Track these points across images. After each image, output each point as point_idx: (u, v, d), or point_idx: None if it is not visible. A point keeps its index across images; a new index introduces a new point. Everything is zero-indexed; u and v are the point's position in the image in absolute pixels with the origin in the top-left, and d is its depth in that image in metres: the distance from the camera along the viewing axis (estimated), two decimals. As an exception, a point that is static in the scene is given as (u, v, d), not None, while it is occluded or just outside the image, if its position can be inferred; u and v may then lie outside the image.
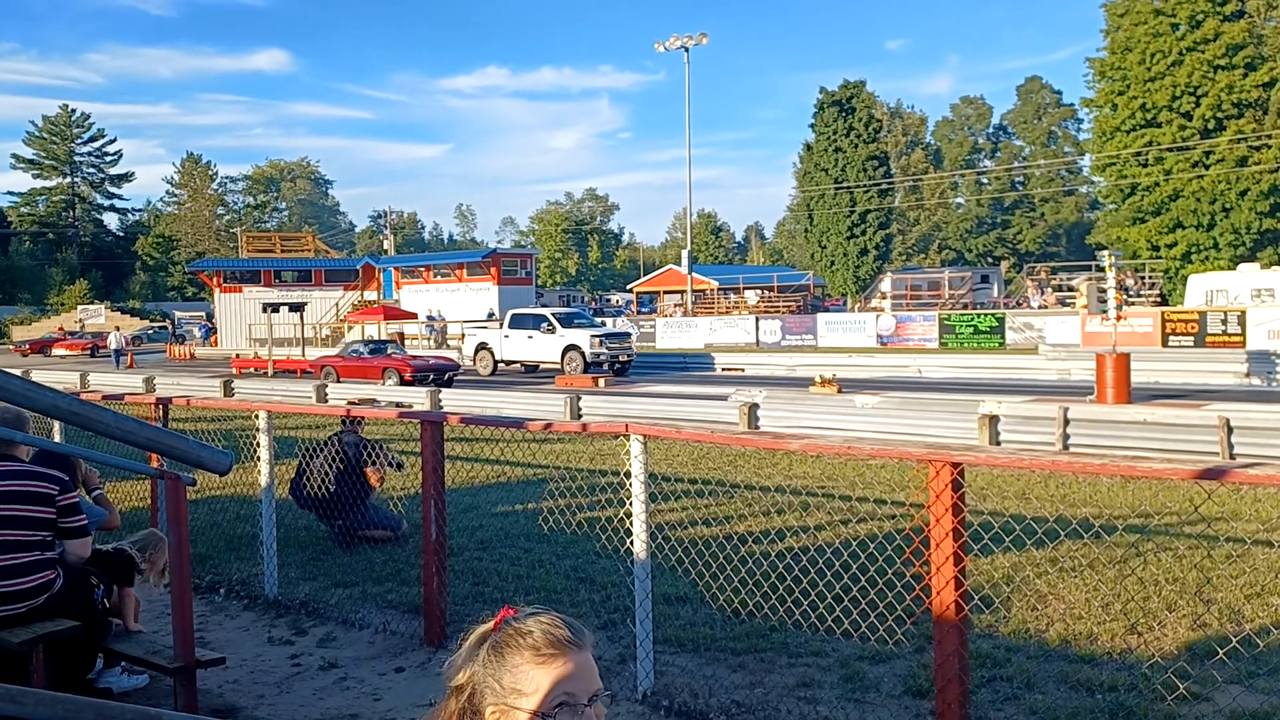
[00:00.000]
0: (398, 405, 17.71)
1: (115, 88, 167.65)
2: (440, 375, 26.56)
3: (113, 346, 42.05)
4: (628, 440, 4.77)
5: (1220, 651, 4.47)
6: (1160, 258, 47.57)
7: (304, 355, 35.68)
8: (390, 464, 8.16)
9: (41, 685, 4.25)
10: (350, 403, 17.34)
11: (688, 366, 33.25)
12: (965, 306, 45.47)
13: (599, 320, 38.77)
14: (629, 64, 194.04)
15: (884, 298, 49.06)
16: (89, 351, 53.93)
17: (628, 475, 4.81)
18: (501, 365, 31.33)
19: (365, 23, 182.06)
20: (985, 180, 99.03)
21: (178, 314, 71.72)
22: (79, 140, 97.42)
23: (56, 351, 55.12)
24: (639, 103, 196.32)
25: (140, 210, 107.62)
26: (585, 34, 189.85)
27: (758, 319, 44.94)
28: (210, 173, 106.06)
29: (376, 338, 34.29)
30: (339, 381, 26.47)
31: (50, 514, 4.52)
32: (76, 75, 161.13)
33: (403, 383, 25.23)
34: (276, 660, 5.53)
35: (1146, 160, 48.33)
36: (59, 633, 4.40)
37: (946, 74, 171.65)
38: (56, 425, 7.66)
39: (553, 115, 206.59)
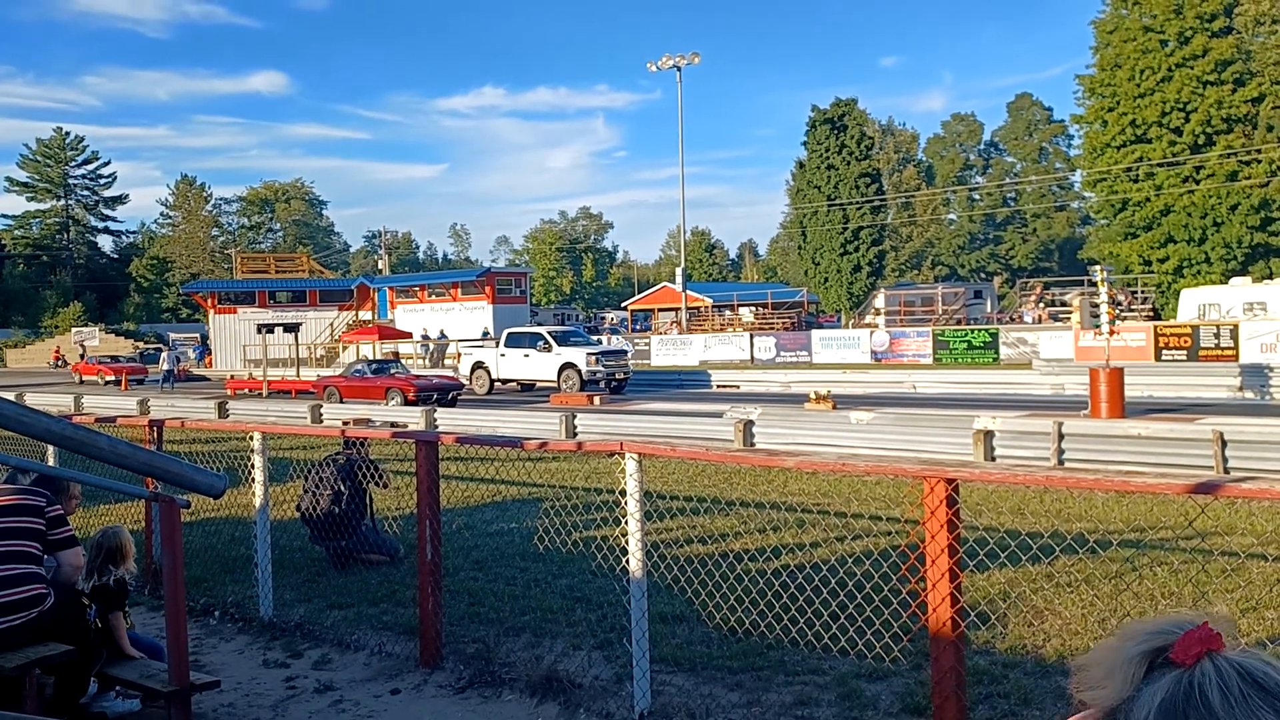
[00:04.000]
0: (392, 425, 17.68)
1: (112, 110, 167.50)
2: (444, 394, 26.46)
3: (164, 367, 39.44)
4: (623, 458, 4.78)
5: (1216, 666, 4.46)
6: (1152, 272, 47.78)
7: (299, 376, 35.65)
8: (379, 483, 8.12)
9: (35, 710, 4.24)
10: (345, 423, 17.34)
11: (683, 384, 33.27)
12: (959, 322, 45.54)
13: (595, 338, 38.81)
14: (625, 83, 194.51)
15: (878, 314, 49.10)
16: (114, 379, 43.13)
17: (623, 493, 4.81)
18: (498, 384, 31.34)
19: (362, 44, 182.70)
20: (977, 196, 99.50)
21: (172, 335, 71.64)
22: (73, 163, 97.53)
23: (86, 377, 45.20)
24: (635, 122, 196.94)
25: (134, 232, 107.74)
26: (582, 54, 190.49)
27: (752, 336, 45.00)
28: (205, 194, 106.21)
29: (377, 358, 34.26)
30: (342, 402, 26.39)
31: (40, 525, 4.52)
32: (73, 98, 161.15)
33: (406, 402, 25.06)
34: (272, 683, 5.51)
35: (1137, 176, 48.62)
36: (53, 656, 4.38)
37: (941, 91, 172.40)
38: (50, 449, 7.64)
39: (548, 134, 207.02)
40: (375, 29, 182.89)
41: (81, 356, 64.06)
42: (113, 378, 43.15)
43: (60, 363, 66.50)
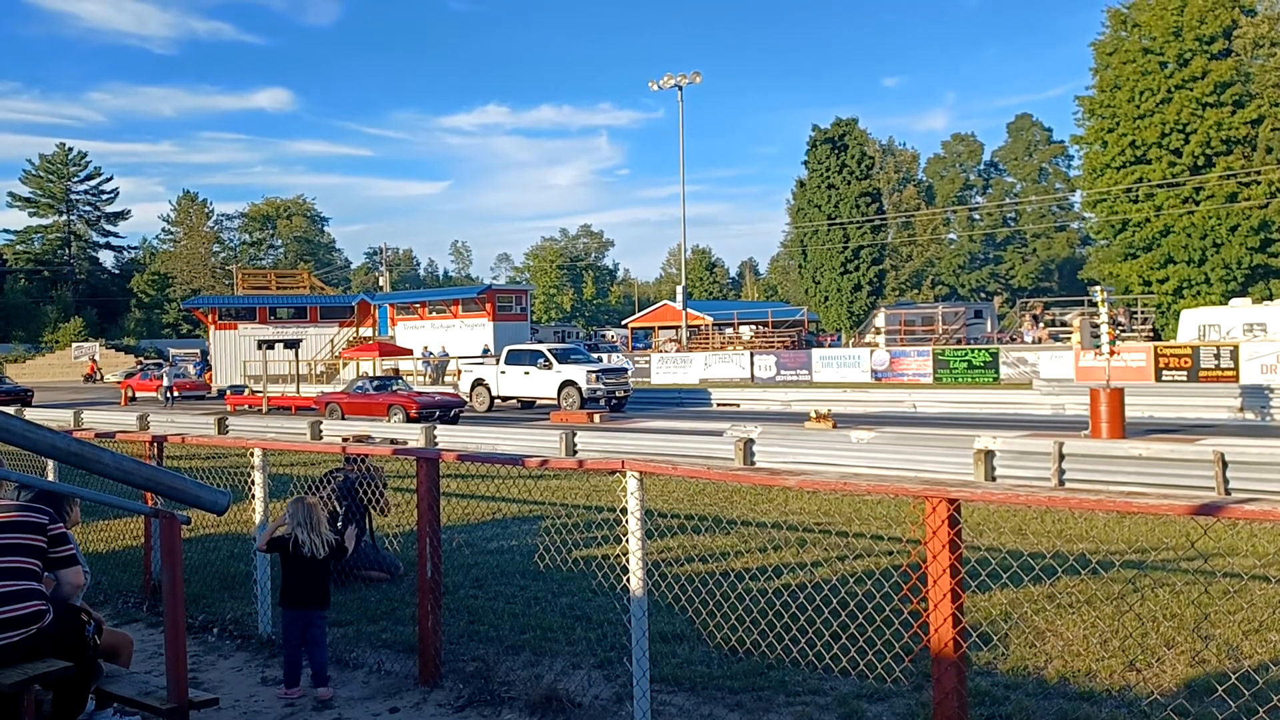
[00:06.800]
0: (392, 442, 17.66)
1: (117, 126, 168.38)
2: (446, 411, 26.45)
3: (165, 383, 38.16)
4: (623, 476, 4.77)
5: (1219, 688, 4.45)
6: (1152, 293, 47.84)
7: (299, 392, 35.63)
8: (379, 508, 8.06)
9: (33, 727, 4.21)
10: (345, 439, 17.32)
11: (683, 402, 33.25)
12: (959, 341, 45.58)
13: (595, 356, 38.83)
14: (628, 102, 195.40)
15: (878, 333, 49.15)
16: (177, 396, 39.51)
17: (624, 511, 4.80)
18: (498, 401, 31.33)
19: (366, 61, 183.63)
20: (977, 216, 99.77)
21: (172, 351, 71.65)
22: (75, 178, 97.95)
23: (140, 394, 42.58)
24: (637, 140, 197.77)
25: (136, 248, 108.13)
26: (585, 72, 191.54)
27: (752, 354, 45.02)
28: (206, 210, 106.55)
29: (378, 374, 34.22)
30: (344, 418, 26.34)
31: (41, 542, 4.51)
32: (78, 114, 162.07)
33: (409, 419, 25.03)
34: (270, 701, 5.48)
35: (1137, 196, 48.75)
36: (51, 673, 4.36)
37: (941, 111, 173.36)
38: (50, 464, 7.63)
39: (551, 152, 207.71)
40: (380, 47, 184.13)
41: (97, 373, 63.63)
42: (176, 395, 41.00)
43: (97, 376, 65.74)
